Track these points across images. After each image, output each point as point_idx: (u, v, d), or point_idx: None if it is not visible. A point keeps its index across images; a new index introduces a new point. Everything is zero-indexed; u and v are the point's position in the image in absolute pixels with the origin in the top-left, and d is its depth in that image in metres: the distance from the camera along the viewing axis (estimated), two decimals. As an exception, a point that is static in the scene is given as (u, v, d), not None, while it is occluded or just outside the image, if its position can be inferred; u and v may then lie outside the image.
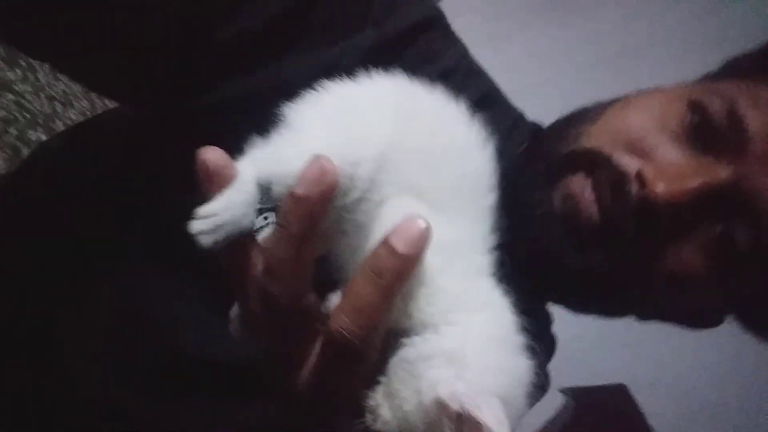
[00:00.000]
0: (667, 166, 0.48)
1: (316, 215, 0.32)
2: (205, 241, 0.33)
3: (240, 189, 0.33)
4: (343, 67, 0.50)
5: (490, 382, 0.32)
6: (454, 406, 0.30)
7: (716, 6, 1.88)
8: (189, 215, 0.33)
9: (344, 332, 0.32)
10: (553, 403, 1.42)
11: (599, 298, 0.56)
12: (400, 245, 0.31)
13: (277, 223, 0.33)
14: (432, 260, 0.33)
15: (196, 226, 0.33)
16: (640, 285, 0.51)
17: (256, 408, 0.50)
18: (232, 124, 0.52)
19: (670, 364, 1.62)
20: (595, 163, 0.50)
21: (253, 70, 0.49)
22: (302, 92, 0.50)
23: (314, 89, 0.38)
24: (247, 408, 0.51)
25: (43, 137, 1.25)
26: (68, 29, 0.47)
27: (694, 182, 0.47)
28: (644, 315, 0.59)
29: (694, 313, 0.57)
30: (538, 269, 0.53)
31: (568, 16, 1.91)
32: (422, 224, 0.31)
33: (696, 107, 0.50)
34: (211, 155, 0.33)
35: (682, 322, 0.59)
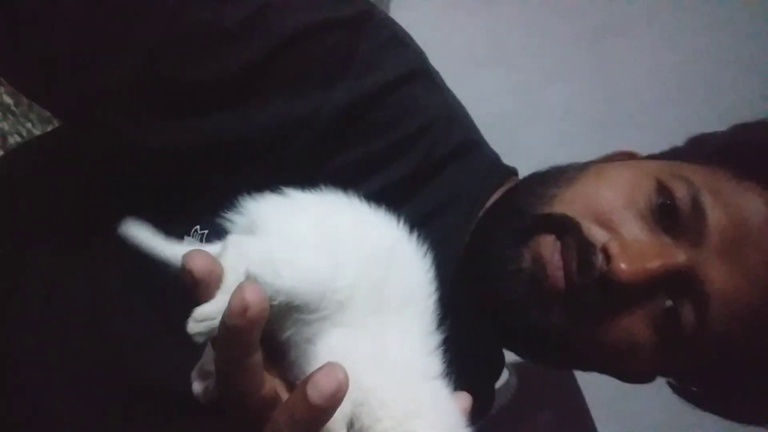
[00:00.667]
0: (632, 243, 0.51)
1: (247, 342, 0.32)
2: (201, 340, 0.34)
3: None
4: (322, 120, 0.50)
5: None
6: None
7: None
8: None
9: None
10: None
11: (551, 354, 0.60)
12: (315, 396, 0.31)
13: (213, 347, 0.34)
14: (370, 379, 0.36)
15: (192, 328, 0.34)
16: (591, 347, 0.55)
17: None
18: (198, 167, 0.52)
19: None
20: (566, 228, 0.53)
21: (225, 113, 0.49)
22: (274, 144, 0.50)
23: (284, 193, 0.40)
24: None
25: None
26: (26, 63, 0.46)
27: (654, 264, 0.50)
28: (587, 369, 0.64)
29: (634, 375, 0.62)
30: (498, 322, 0.57)
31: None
32: (340, 376, 0.32)
33: (663, 189, 0.53)
34: (197, 263, 0.33)
35: (622, 379, 0.64)
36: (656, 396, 1.74)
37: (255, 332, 0.32)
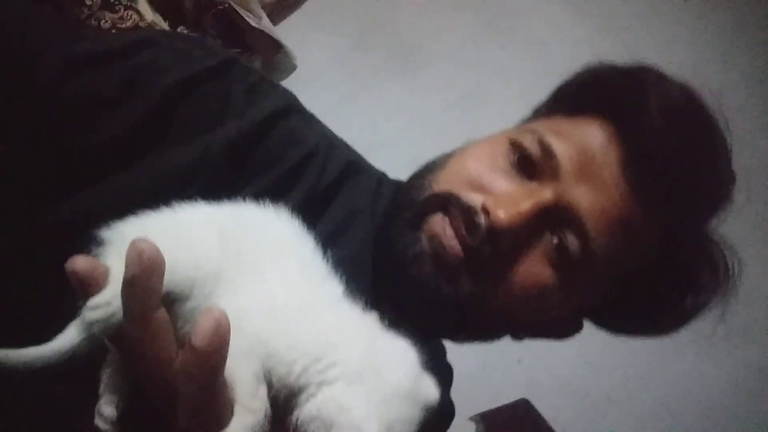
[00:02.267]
0: (503, 196, 0.57)
1: (148, 289, 0.33)
2: (98, 329, 0.34)
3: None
4: (213, 158, 0.53)
5: (377, 411, 0.35)
6: None
7: (538, 49, 2.13)
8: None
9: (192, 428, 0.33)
10: (466, 429, 1.47)
11: (475, 324, 0.62)
12: (199, 341, 0.32)
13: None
14: (267, 329, 0.36)
15: (89, 316, 0.34)
16: (506, 302, 0.58)
17: None
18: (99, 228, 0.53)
19: (560, 368, 1.76)
20: (448, 203, 0.58)
21: (118, 172, 0.51)
22: (175, 191, 0.52)
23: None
24: None
25: None
26: None
27: (526, 204, 0.55)
28: (517, 334, 0.67)
29: (555, 323, 0.65)
30: (419, 306, 0.58)
31: (410, 68, 2.07)
32: (216, 314, 0.33)
33: (515, 145, 0.59)
34: (79, 264, 0.34)
35: (549, 335, 0.67)
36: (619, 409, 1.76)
37: (154, 279, 0.33)
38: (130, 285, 0.33)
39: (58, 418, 0.50)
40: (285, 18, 2.02)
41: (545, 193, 0.56)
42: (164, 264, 0.34)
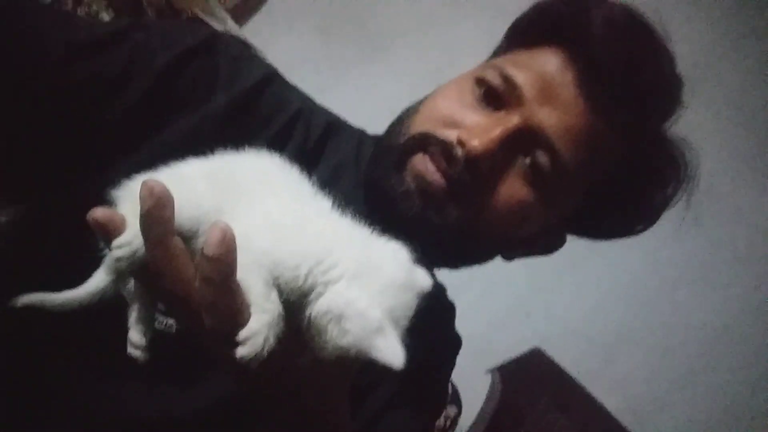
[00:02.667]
0: (475, 127, 0.62)
1: (162, 218, 0.38)
2: (124, 265, 0.39)
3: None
4: (210, 127, 0.58)
5: (372, 320, 0.39)
6: (352, 352, 0.38)
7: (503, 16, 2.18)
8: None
9: (216, 331, 0.38)
10: (484, 385, 1.52)
11: (467, 247, 0.67)
12: (209, 249, 0.37)
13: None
14: (269, 242, 0.40)
15: (115, 254, 0.39)
16: (493, 223, 0.63)
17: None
18: None
19: (566, 317, 1.82)
20: (426, 142, 0.63)
21: (137, 146, 0.56)
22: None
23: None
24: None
25: None
26: None
27: (496, 131, 0.60)
28: (506, 253, 0.72)
29: (539, 237, 0.70)
30: (412, 239, 0.63)
31: (378, 53, 2.12)
32: (221, 225, 0.37)
33: (479, 81, 0.64)
34: (98, 213, 0.39)
35: (536, 251, 0.72)
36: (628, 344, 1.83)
37: (166, 209, 0.38)
38: (146, 216, 0.37)
39: (96, 353, 0.55)
40: (249, 19, 2.07)
41: (512, 119, 0.61)
42: (172, 197, 0.38)
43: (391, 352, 0.39)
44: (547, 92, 0.61)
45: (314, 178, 0.63)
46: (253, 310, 0.39)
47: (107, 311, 0.44)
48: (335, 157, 0.68)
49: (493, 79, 0.63)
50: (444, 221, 0.62)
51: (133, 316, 0.44)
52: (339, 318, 0.39)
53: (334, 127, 0.70)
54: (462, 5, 2.22)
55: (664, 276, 1.89)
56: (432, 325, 0.74)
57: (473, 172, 0.60)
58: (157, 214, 0.37)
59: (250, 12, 2.02)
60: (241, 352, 0.38)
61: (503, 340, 1.73)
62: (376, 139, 0.72)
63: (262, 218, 0.42)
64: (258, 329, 0.38)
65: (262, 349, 0.38)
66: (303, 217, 0.43)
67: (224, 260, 0.37)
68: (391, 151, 0.65)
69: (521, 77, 0.62)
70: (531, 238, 0.69)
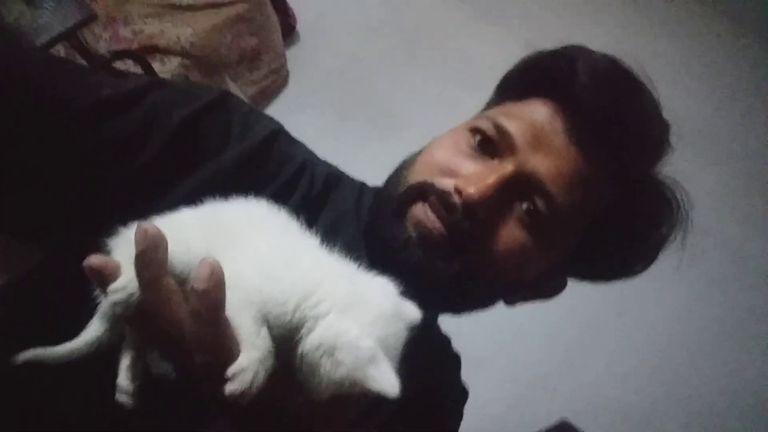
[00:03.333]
0: (471, 175, 0.64)
1: (155, 260, 0.40)
2: (119, 309, 0.41)
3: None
4: (220, 182, 0.61)
5: (365, 350, 0.40)
6: (347, 384, 0.39)
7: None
8: None
9: (206, 367, 0.39)
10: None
11: (470, 293, 0.68)
12: (198, 283, 0.38)
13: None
14: (259, 280, 0.41)
15: (111, 299, 0.40)
16: (495, 270, 0.65)
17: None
18: None
19: (592, 387, 1.76)
20: (425, 191, 0.65)
21: (153, 200, 0.57)
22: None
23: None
24: None
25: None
26: None
27: (492, 178, 0.63)
28: (508, 298, 0.72)
29: (540, 282, 0.71)
30: (416, 287, 0.64)
31: (393, 129, 2.20)
32: (210, 260, 0.39)
33: (474, 130, 0.67)
34: (92, 259, 0.41)
35: (538, 295, 0.72)
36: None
37: (159, 250, 0.40)
38: (140, 257, 0.39)
39: (87, 401, 0.55)
40: (269, 105, 2.18)
41: (507, 166, 0.64)
42: (165, 239, 0.40)
43: (386, 380, 0.39)
44: (538, 140, 0.64)
45: (317, 227, 0.65)
46: (242, 347, 0.40)
47: (107, 362, 0.45)
48: (337, 207, 0.70)
49: (487, 128, 0.66)
50: (446, 268, 0.63)
51: (123, 362, 0.45)
52: (331, 350, 0.40)
53: (336, 178, 0.74)
54: (468, 80, 2.32)
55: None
56: (438, 375, 0.74)
57: (472, 219, 0.62)
58: (151, 254, 0.39)
59: (269, 98, 2.13)
60: (229, 387, 0.38)
61: (530, 413, 1.67)
62: (376, 191, 0.74)
63: (251, 256, 0.43)
64: (247, 365, 0.39)
65: (251, 385, 0.39)
66: (291, 254, 0.44)
67: (212, 294, 0.39)
68: (391, 201, 0.67)
69: (513, 126, 0.65)
70: (531, 282, 0.70)
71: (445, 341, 0.76)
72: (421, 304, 0.68)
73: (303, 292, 0.41)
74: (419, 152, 0.72)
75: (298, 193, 0.67)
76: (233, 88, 1.99)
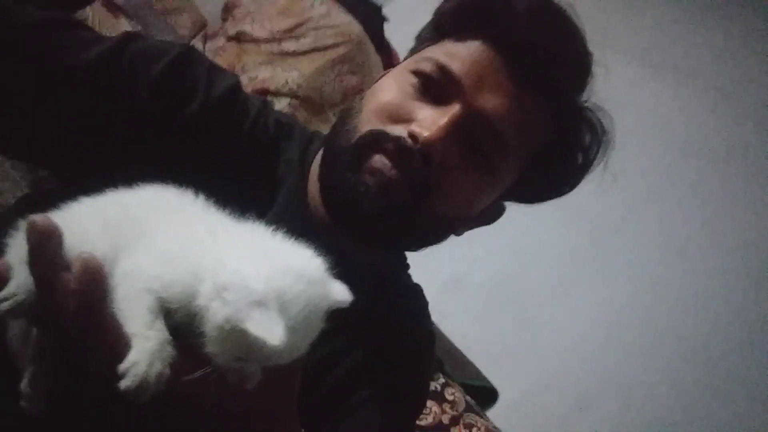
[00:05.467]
0: (423, 120, 0.66)
1: (49, 252, 0.38)
2: (15, 316, 0.41)
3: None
4: (192, 130, 0.67)
5: (254, 293, 0.38)
6: (227, 328, 0.37)
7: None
8: None
9: (100, 367, 0.38)
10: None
11: (426, 230, 0.70)
12: (72, 284, 0.37)
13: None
14: (156, 269, 0.40)
15: (3, 307, 0.39)
16: (447, 205, 0.67)
17: None
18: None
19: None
20: (378, 139, 0.67)
21: (141, 145, 0.64)
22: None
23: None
24: None
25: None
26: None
27: (443, 120, 0.64)
28: (458, 231, 0.74)
29: (483, 212, 0.73)
30: (379, 230, 0.67)
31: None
32: (83, 255, 0.37)
33: (417, 73, 0.69)
34: None
35: (482, 223, 0.75)
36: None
37: (52, 242, 0.38)
38: (32, 252, 0.37)
39: None
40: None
41: (455, 108, 0.65)
42: (59, 230, 0.38)
43: (270, 328, 0.37)
44: (482, 80, 0.65)
45: (269, 179, 0.70)
46: (134, 341, 0.38)
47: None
48: (285, 157, 0.73)
49: (430, 70, 0.67)
50: (408, 213, 0.65)
51: (28, 366, 0.42)
52: (221, 290, 0.38)
53: (287, 126, 0.76)
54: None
55: None
56: (407, 320, 0.75)
57: (428, 163, 0.64)
58: (43, 248, 0.37)
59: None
60: (123, 384, 0.37)
61: None
62: (324, 138, 0.76)
63: (152, 244, 0.43)
64: (137, 359, 0.38)
65: (146, 378, 0.37)
66: (194, 238, 0.43)
67: (88, 291, 0.38)
68: (345, 152, 0.68)
69: (456, 67, 0.66)
70: (484, 213, 0.73)
71: (416, 288, 0.79)
72: (383, 246, 0.71)
73: (204, 274, 0.40)
74: (362, 97, 0.73)
75: (255, 141, 0.71)
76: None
